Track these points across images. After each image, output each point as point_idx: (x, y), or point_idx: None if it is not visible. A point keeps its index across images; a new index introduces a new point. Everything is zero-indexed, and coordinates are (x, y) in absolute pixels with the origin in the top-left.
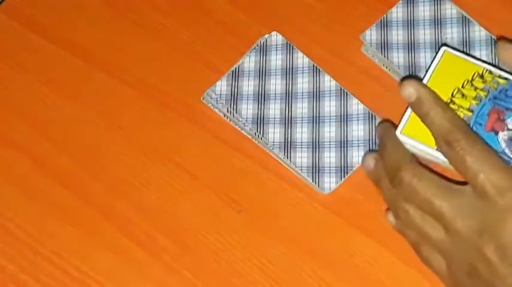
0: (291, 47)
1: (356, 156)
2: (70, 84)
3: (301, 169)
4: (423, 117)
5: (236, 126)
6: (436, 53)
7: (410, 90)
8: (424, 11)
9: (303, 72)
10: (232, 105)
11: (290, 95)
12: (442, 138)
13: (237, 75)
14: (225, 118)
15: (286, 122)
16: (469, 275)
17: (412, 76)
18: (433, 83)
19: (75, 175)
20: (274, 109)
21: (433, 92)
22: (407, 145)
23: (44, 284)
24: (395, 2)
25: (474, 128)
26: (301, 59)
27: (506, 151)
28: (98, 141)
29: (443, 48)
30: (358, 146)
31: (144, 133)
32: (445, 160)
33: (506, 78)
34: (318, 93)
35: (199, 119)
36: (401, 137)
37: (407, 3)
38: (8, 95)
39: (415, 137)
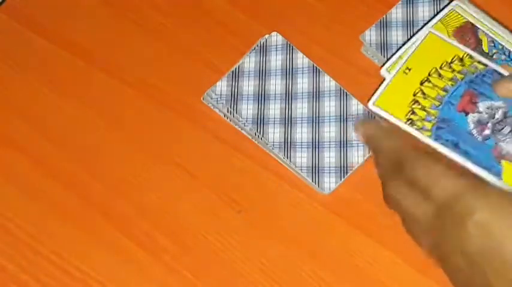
0: (291, 47)
1: (356, 156)
2: (70, 84)
3: (301, 169)
4: None
5: (236, 126)
6: (417, 31)
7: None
8: (423, 12)
9: (302, 73)
10: (232, 106)
11: (290, 95)
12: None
13: (237, 76)
14: (225, 118)
15: (286, 122)
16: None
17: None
18: (412, 61)
19: (75, 175)
20: (274, 109)
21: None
22: (378, 116)
23: (44, 284)
24: (395, 2)
25: (446, 107)
26: (301, 59)
27: (474, 131)
28: (98, 141)
29: (429, 29)
30: (357, 146)
31: (144, 133)
32: (413, 131)
33: (485, 64)
34: (317, 93)
35: (199, 119)
36: (373, 108)
37: (407, 3)
38: (8, 95)
39: (386, 109)
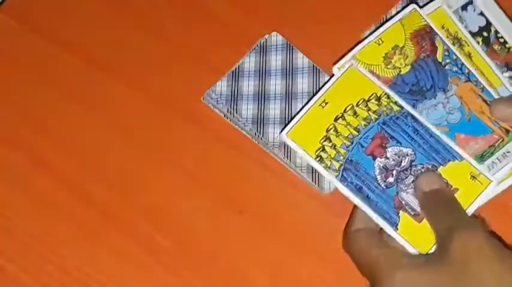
0: (291, 47)
1: None
2: (70, 84)
3: (301, 169)
4: None
5: (236, 126)
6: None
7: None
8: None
9: (302, 73)
10: (232, 106)
11: (290, 95)
12: None
13: (237, 76)
14: (225, 118)
15: (286, 122)
16: None
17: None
18: (330, 94)
19: (75, 175)
20: (274, 109)
21: None
22: (291, 146)
23: (44, 284)
24: (394, 3)
25: (355, 149)
26: (301, 59)
27: (378, 177)
28: (98, 141)
29: (352, 63)
30: None
31: (143, 133)
32: (321, 169)
33: (401, 107)
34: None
35: (199, 119)
36: (286, 139)
37: (407, 3)
38: (8, 95)
39: (298, 142)
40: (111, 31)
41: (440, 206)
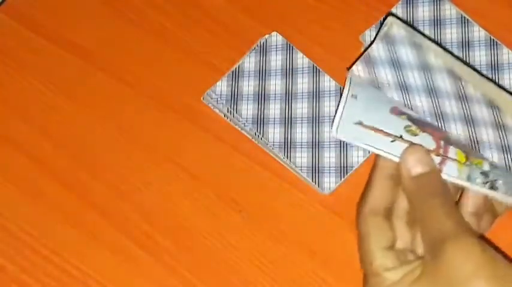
0: (291, 47)
1: (356, 156)
2: (70, 84)
3: (301, 169)
4: None
5: (236, 126)
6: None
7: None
8: (423, 12)
9: (302, 73)
10: (232, 106)
11: (290, 95)
12: None
13: (237, 76)
14: (225, 118)
15: (286, 122)
16: None
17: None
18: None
19: (75, 175)
20: (274, 109)
21: None
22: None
23: (44, 284)
24: (395, 2)
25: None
26: (301, 59)
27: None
28: (97, 141)
29: None
30: (357, 146)
31: (144, 133)
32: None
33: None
34: (317, 93)
35: (199, 119)
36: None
37: (407, 3)
38: (8, 95)
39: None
40: (111, 31)
41: (432, 202)
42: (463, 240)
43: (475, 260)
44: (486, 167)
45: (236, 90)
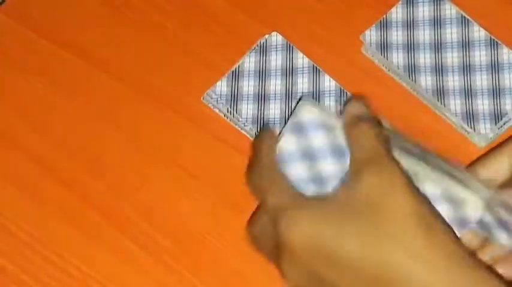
0: (291, 47)
1: None
2: (70, 84)
3: None
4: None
5: (236, 126)
6: None
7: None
8: (423, 12)
9: (303, 72)
10: (232, 106)
11: (290, 95)
12: None
13: (237, 76)
14: (225, 118)
15: (286, 122)
16: None
17: None
18: None
19: (75, 174)
20: (274, 109)
21: None
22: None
23: (44, 284)
24: (395, 2)
25: None
26: (301, 59)
27: None
28: (98, 141)
29: None
30: None
31: (144, 133)
32: None
33: None
34: (317, 93)
35: (199, 119)
36: None
37: (407, 3)
38: (8, 95)
39: None
40: (110, 31)
41: (362, 125)
42: (385, 162)
43: (393, 181)
44: None
45: (236, 90)
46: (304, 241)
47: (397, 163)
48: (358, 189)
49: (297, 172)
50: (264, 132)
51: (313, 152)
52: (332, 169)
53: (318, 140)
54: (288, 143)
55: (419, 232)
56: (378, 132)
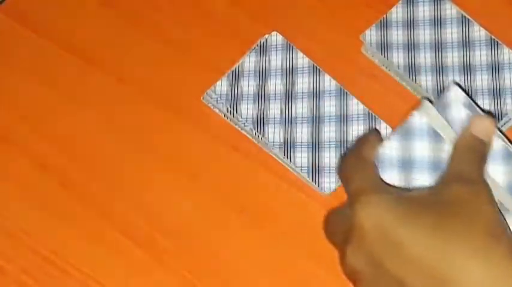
0: (291, 47)
1: None
2: (70, 84)
3: (301, 169)
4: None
5: (236, 126)
6: None
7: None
8: (423, 11)
9: (303, 72)
10: (232, 105)
11: (290, 95)
12: None
13: (237, 75)
14: (225, 118)
15: (286, 122)
16: None
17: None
18: None
19: (75, 175)
20: (274, 109)
21: None
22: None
23: (44, 284)
24: (395, 2)
25: None
26: (301, 59)
27: None
28: (97, 141)
29: None
30: None
31: (144, 133)
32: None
33: None
34: (318, 93)
35: (199, 119)
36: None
37: (407, 3)
38: (8, 95)
39: None
40: (110, 31)
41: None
42: (477, 181)
43: (479, 195)
44: None
45: (236, 90)
46: (375, 222)
47: (488, 185)
48: (444, 193)
49: (391, 178)
50: (373, 131)
51: (413, 164)
52: (424, 182)
53: (421, 151)
54: (391, 149)
55: (488, 238)
56: (484, 160)
